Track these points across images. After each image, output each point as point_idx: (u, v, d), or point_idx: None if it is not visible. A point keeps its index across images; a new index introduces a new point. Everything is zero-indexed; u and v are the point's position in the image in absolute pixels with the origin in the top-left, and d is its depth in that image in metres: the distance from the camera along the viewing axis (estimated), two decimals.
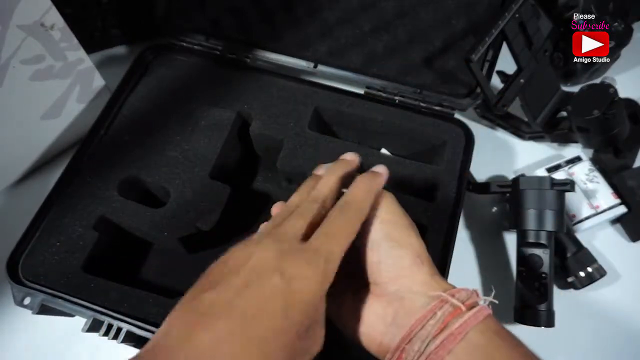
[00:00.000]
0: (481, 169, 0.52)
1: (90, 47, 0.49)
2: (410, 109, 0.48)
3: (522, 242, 0.43)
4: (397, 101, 0.49)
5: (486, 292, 0.46)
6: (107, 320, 0.38)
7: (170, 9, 0.53)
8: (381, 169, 0.31)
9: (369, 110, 0.48)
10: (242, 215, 0.47)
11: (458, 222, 0.42)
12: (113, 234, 0.44)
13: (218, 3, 0.52)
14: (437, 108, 0.48)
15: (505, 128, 0.55)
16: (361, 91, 0.50)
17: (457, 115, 0.49)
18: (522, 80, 0.45)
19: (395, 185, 0.44)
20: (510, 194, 0.46)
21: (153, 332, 0.38)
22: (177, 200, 0.44)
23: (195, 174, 0.45)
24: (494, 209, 0.50)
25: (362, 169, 0.45)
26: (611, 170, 0.49)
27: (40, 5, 0.41)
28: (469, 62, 0.41)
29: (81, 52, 0.47)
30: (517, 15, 0.42)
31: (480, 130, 0.55)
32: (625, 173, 0.48)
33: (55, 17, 0.43)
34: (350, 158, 0.32)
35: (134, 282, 0.41)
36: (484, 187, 0.49)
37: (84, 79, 0.49)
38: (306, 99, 0.48)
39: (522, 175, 0.46)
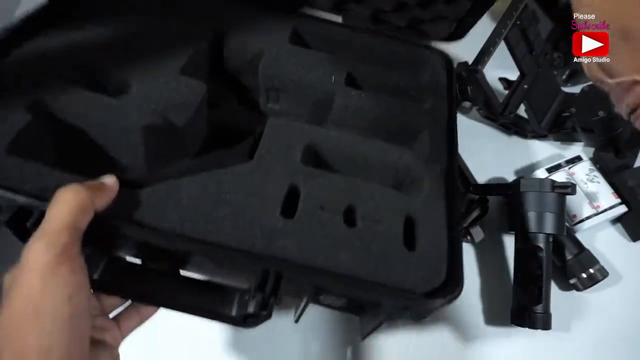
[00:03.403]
0: (481, 169, 0.52)
1: None
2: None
3: (520, 244, 0.44)
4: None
5: (484, 293, 0.46)
6: (39, 206, 0.29)
7: None
8: None
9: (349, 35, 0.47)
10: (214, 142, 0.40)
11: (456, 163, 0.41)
12: (51, 126, 0.35)
13: None
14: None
15: (507, 127, 0.55)
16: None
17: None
18: (525, 86, 0.45)
19: (376, 127, 0.41)
20: (511, 196, 0.46)
21: None
22: (140, 88, 0.36)
23: (166, 67, 0.38)
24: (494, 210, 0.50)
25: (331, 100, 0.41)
26: (612, 170, 0.49)
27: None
28: (475, 73, 0.40)
29: None
30: (518, 22, 0.42)
31: (481, 130, 0.55)
32: (626, 173, 0.48)
33: None
34: None
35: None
36: (484, 189, 0.49)
37: None
38: (285, 22, 0.46)
39: (522, 177, 0.46)
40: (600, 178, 0.49)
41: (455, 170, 0.39)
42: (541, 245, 0.42)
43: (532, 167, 0.52)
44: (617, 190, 0.48)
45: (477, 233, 0.48)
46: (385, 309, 0.32)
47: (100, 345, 0.30)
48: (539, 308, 0.41)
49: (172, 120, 0.35)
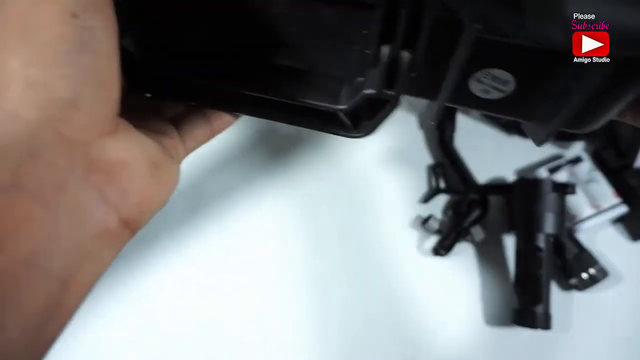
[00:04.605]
0: (481, 169, 0.52)
1: None
2: None
3: (520, 244, 0.44)
4: None
5: (484, 294, 0.46)
6: None
7: None
8: None
9: None
10: None
11: None
12: None
13: None
14: None
15: (508, 126, 0.55)
16: None
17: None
18: None
19: None
20: (511, 196, 0.46)
21: None
22: None
23: None
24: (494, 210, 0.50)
25: None
26: (612, 170, 0.49)
27: None
28: None
29: None
30: None
31: (481, 130, 0.55)
32: (627, 172, 0.48)
33: None
34: None
35: None
36: (484, 189, 0.49)
37: None
38: None
39: (523, 177, 0.46)
40: (600, 178, 0.49)
41: None
42: (541, 245, 0.42)
43: (532, 167, 0.52)
44: (618, 190, 0.48)
45: (477, 233, 0.48)
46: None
47: (162, 151, 0.21)
48: (539, 308, 0.41)
49: None
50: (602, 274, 0.44)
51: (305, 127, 0.23)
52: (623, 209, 0.47)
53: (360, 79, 0.21)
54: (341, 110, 0.21)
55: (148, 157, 0.20)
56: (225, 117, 0.26)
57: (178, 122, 0.25)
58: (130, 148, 0.19)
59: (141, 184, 0.19)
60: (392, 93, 0.20)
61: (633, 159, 0.51)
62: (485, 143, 0.54)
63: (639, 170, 0.48)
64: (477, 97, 0.22)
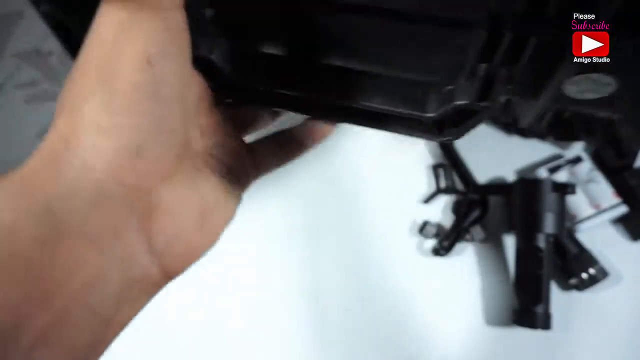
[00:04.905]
0: (481, 169, 0.52)
1: None
2: None
3: (520, 244, 0.44)
4: None
5: (484, 294, 0.46)
6: None
7: None
8: None
9: None
10: None
11: None
12: None
13: None
14: None
15: (508, 126, 0.55)
16: None
17: None
18: None
19: None
20: (511, 196, 0.46)
21: None
22: None
23: None
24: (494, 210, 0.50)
25: None
26: (612, 170, 0.49)
27: (36, 34, 0.41)
28: None
29: None
30: None
31: (481, 130, 0.55)
32: (627, 172, 0.48)
33: (52, 44, 0.43)
34: None
35: None
36: (484, 189, 0.49)
37: None
38: None
39: (523, 177, 0.46)
40: (600, 178, 0.49)
41: None
42: (541, 245, 0.42)
43: (532, 167, 0.52)
44: (618, 190, 0.48)
45: (477, 233, 0.48)
46: None
47: (220, 188, 0.22)
48: (539, 308, 0.41)
49: None
50: (602, 274, 0.44)
51: (391, 132, 0.23)
52: (623, 209, 0.47)
53: (450, 87, 0.20)
54: (429, 118, 0.21)
55: (200, 203, 0.20)
56: (300, 142, 0.26)
57: (252, 145, 0.25)
58: (184, 196, 0.19)
59: (186, 236, 0.20)
60: (486, 104, 0.20)
61: (633, 159, 0.51)
62: (485, 143, 0.54)
63: (639, 170, 0.48)
64: (570, 98, 0.21)
